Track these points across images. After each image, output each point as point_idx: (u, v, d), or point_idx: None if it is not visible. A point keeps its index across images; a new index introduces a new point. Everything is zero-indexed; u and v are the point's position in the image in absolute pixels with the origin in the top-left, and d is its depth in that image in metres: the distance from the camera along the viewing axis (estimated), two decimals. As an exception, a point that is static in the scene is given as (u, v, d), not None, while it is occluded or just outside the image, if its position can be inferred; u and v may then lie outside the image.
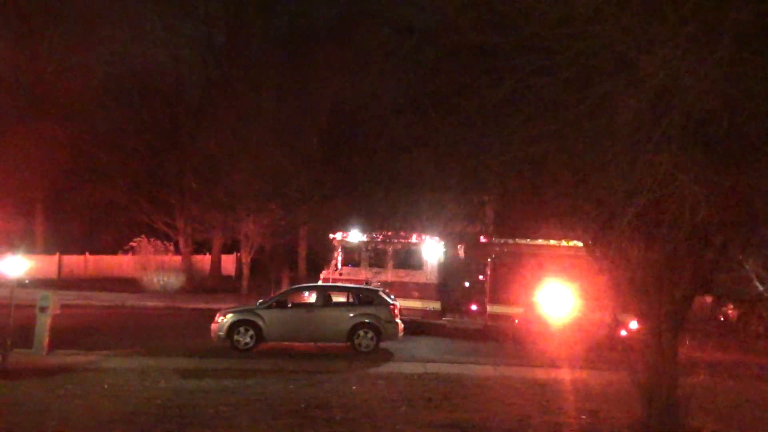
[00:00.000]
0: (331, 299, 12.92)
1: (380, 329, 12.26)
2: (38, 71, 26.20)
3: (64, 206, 26.53)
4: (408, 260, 16.43)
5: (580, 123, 4.95)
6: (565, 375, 10.16)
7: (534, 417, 7.57)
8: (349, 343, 12.18)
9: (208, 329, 12.23)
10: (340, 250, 16.67)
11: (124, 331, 14.24)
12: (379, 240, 16.63)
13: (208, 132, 23.07)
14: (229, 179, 21.72)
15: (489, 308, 15.11)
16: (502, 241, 14.33)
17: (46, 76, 26.14)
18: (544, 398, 8.65)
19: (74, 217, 27.68)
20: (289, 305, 12.68)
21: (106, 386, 8.45)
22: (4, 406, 7.31)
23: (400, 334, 12.60)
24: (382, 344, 12.36)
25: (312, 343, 12.51)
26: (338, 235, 16.58)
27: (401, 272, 16.18)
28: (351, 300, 12.90)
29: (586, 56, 4.72)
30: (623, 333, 13.08)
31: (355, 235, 16.28)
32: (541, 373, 10.40)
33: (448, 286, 16.38)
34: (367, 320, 12.29)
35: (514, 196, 7.40)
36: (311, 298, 12.97)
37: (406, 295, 15.20)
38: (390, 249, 16.32)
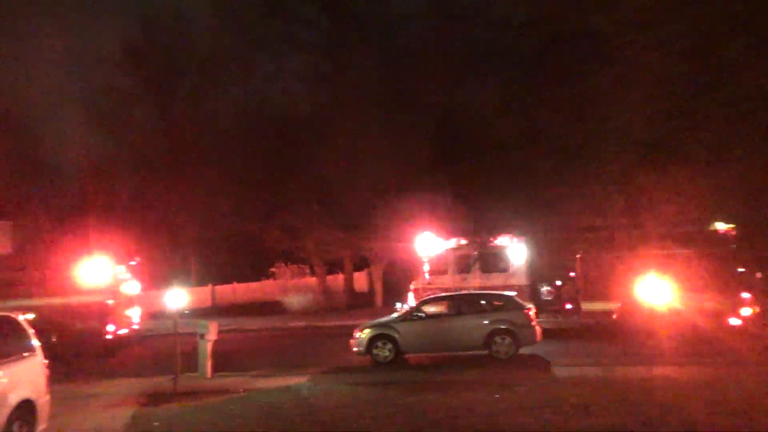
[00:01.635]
0: (465, 307, 12.84)
1: (517, 334, 12.00)
2: (175, 122, 29.10)
3: (211, 241, 29.06)
4: (495, 263, 16.17)
5: (707, 94, 4.60)
6: (702, 372, 9.45)
7: (700, 420, 6.98)
8: (486, 351, 12.05)
9: (346, 345, 12.74)
10: (426, 259, 16.81)
11: (272, 352, 15.31)
12: (465, 245, 16.60)
13: (324, 156, 24.15)
14: (347, 199, 22.60)
15: (584, 305, 14.39)
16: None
17: (183, 124, 28.90)
18: (698, 398, 7.97)
19: (220, 250, 30.18)
20: (424, 317, 12.81)
21: (263, 405, 9.07)
22: (181, 425, 8.11)
23: (538, 338, 12.25)
24: (521, 350, 12.11)
25: (450, 353, 12.55)
26: (422, 245, 16.71)
27: (488, 276, 15.89)
28: (485, 306, 12.75)
29: (705, 22, 4.38)
30: (735, 322, 11.82)
31: (440, 243, 16.34)
32: (675, 372, 9.74)
33: (538, 286, 15.83)
34: (503, 326, 12.08)
35: (641, 181, 7.00)
36: (445, 307, 13.00)
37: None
38: (476, 253, 16.26)
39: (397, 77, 24.21)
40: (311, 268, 27.94)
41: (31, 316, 6.71)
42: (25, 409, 5.91)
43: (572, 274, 15.45)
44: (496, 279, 15.72)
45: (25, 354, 6.23)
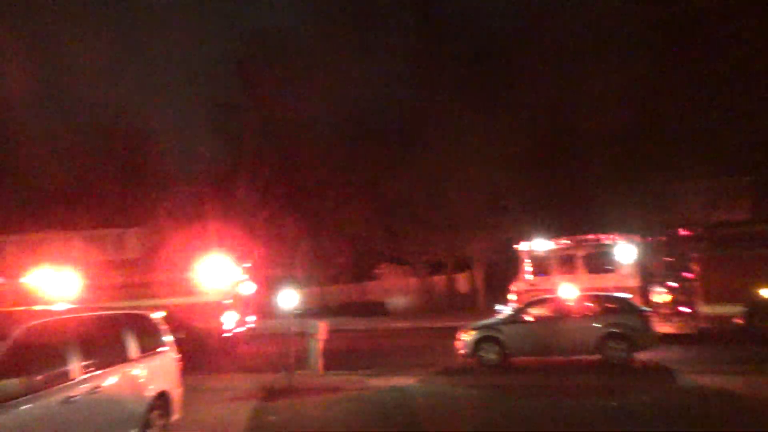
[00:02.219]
0: (575, 309, 12.36)
1: (632, 339, 11.37)
2: (282, 128, 30.42)
3: (319, 244, 30.08)
4: (602, 263, 15.31)
5: None
6: None
7: None
8: (599, 356, 11.54)
9: (451, 347, 12.69)
10: (527, 259, 16.25)
11: (379, 352, 15.60)
12: (570, 244, 15.86)
13: (426, 158, 24.21)
14: (449, 200, 22.53)
15: (702, 309, 13.19)
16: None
17: (289, 131, 30.12)
18: None
19: (327, 252, 31.18)
20: (531, 319, 12.49)
21: (376, 404, 9.25)
22: (297, 420, 8.47)
23: (656, 343, 11.54)
24: (637, 355, 11.47)
25: (558, 357, 12.15)
26: (524, 245, 16.14)
27: (596, 277, 15.05)
28: (597, 309, 12.19)
29: None
30: None
31: (542, 243, 15.73)
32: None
33: (649, 287, 14.74)
34: (617, 330, 11.47)
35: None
36: (553, 309, 12.58)
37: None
38: (582, 253, 15.50)
39: (497, 74, 23.84)
40: (413, 269, 28.16)
41: (161, 314, 7.30)
42: (162, 399, 6.44)
43: (688, 274, 14.41)
44: (604, 280, 15.00)
45: (160, 349, 6.79)
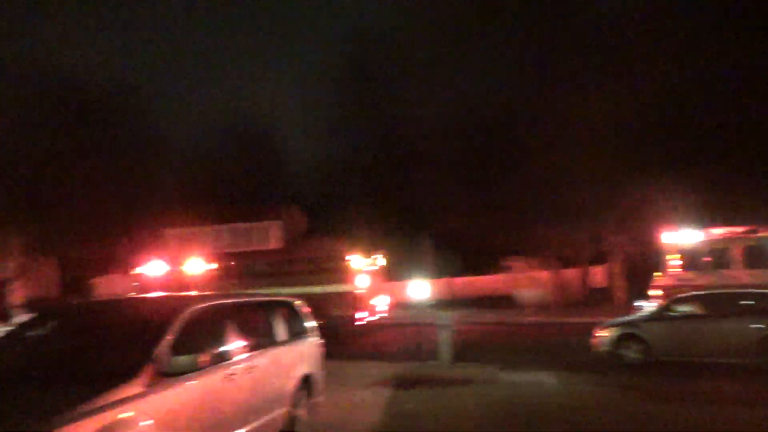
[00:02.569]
0: (731, 308, 11.20)
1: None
2: (398, 124, 30.85)
3: (448, 235, 30.16)
4: (762, 258, 13.61)
5: None
6: None
7: None
8: (761, 361, 10.39)
9: (585, 343, 12.15)
10: (673, 252, 14.83)
11: (509, 346, 15.36)
12: (723, 236, 14.30)
13: (558, 146, 23.19)
14: (583, 190, 21.47)
15: None
16: None
17: (408, 126, 30.43)
18: None
19: (456, 243, 31.16)
20: (677, 316, 11.57)
21: (508, 397, 9.16)
22: (431, 409, 8.62)
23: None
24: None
25: (709, 360, 11.12)
26: (670, 236, 14.75)
27: (756, 272, 13.38)
28: (759, 308, 10.94)
29: None
30: None
31: (691, 234, 14.27)
32: None
33: None
34: (781, 332, 10.31)
35: None
36: (704, 307, 11.55)
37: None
38: (738, 246, 13.86)
39: (619, 59, 22.27)
40: (545, 262, 27.27)
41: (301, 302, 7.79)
42: (307, 381, 6.89)
43: None
44: (765, 276, 13.51)
45: (304, 335, 7.25)
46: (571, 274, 28.25)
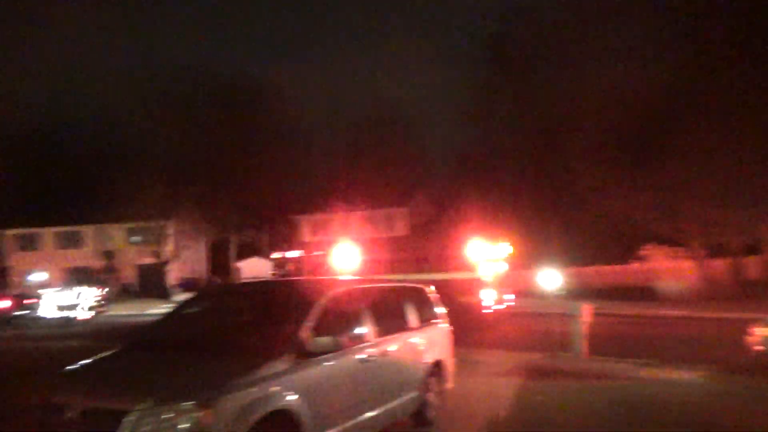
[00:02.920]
0: None
1: None
2: (537, 109, 29.84)
3: (578, 223, 28.97)
4: None
5: None
6: None
7: None
8: None
9: (737, 341, 11.04)
10: None
11: (648, 341, 14.40)
12: None
13: (708, 127, 21.24)
14: (738, 172, 19.47)
15: None
16: None
17: (547, 110, 29.36)
18: None
19: (585, 231, 29.84)
20: None
21: (649, 397, 8.62)
22: (563, 403, 8.35)
23: None
24: None
25: None
26: None
27: None
28: None
29: None
30: None
31: None
32: None
33: None
34: None
35: None
36: None
37: None
38: None
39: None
40: (689, 251, 25.15)
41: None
42: (438, 367, 6.97)
43: None
44: None
45: (435, 321, 7.33)
46: (719, 264, 25.82)
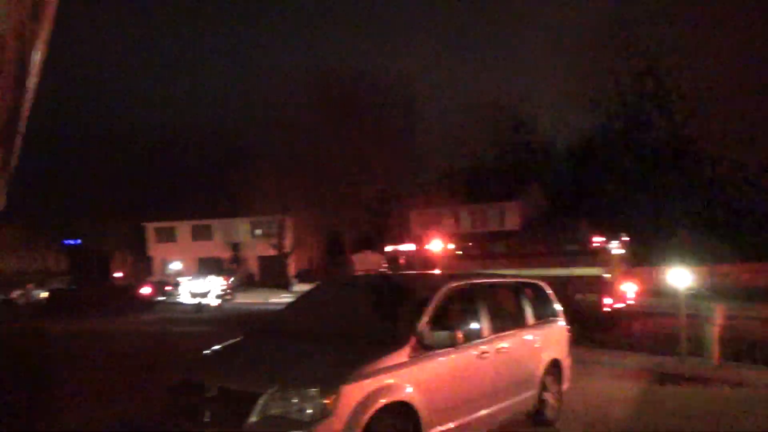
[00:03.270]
0: None
1: None
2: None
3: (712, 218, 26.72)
4: None
5: None
6: None
7: None
8: None
9: None
10: None
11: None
12: None
13: None
14: None
15: None
16: None
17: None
18: None
19: (720, 227, 27.46)
20: None
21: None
22: (692, 411, 7.78)
23: None
24: None
25: None
26: None
27: None
28: None
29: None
30: None
31: None
32: None
33: None
34: None
35: None
36: None
37: None
38: None
39: None
40: None
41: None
42: (555, 367, 6.79)
43: None
44: None
45: (552, 318, 7.14)
46: None
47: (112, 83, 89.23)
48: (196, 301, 26.11)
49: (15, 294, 32.89)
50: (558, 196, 33.99)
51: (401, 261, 22.13)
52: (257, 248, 47.44)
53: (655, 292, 21.84)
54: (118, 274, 45.01)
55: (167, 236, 51.95)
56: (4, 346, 12.44)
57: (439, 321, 5.12)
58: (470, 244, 21.44)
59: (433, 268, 18.03)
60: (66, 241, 50.96)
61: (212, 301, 26.12)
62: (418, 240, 23.53)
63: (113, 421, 6.91)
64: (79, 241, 53.39)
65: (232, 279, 30.76)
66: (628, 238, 18.67)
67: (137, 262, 51.65)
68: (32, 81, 3.43)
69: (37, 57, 3.11)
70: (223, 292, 26.42)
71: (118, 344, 14.70)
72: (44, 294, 27.86)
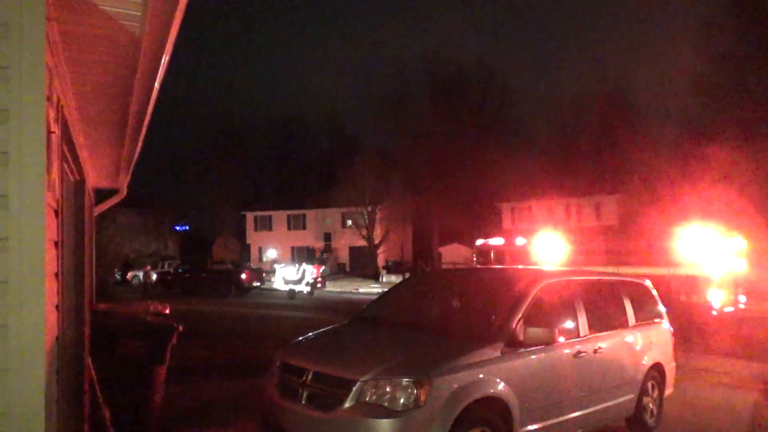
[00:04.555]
0: None
1: None
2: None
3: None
4: None
5: None
6: None
7: None
8: None
9: None
10: None
11: None
12: None
13: None
14: None
15: None
16: None
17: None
18: None
19: None
20: None
21: None
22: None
23: None
24: None
25: None
26: None
27: None
28: None
29: None
30: None
31: None
32: None
33: None
34: None
35: None
36: None
37: None
38: None
39: None
40: None
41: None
42: (657, 371, 6.45)
43: None
44: None
45: (656, 320, 6.78)
46: None
47: (226, 81, 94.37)
48: (288, 287, 27.15)
49: (130, 275, 35.79)
50: (659, 189, 31.97)
51: (491, 255, 21.81)
52: (348, 238, 48.52)
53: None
54: (218, 260, 47.77)
55: (265, 225, 54.30)
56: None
57: (534, 318, 5.01)
58: (566, 239, 20.75)
59: (523, 262, 17.62)
60: (176, 227, 54.71)
61: (304, 288, 27.05)
62: (510, 234, 23.10)
63: (225, 394, 7.40)
64: (187, 227, 57.12)
65: (323, 268, 31.67)
66: (742, 236, 17.31)
67: (236, 249, 54.49)
68: (159, 80, 3.73)
69: (165, 58, 3.37)
70: (313, 280, 27.28)
71: (223, 324, 15.62)
72: (154, 276, 30.14)
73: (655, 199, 36.66)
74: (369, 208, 44.21)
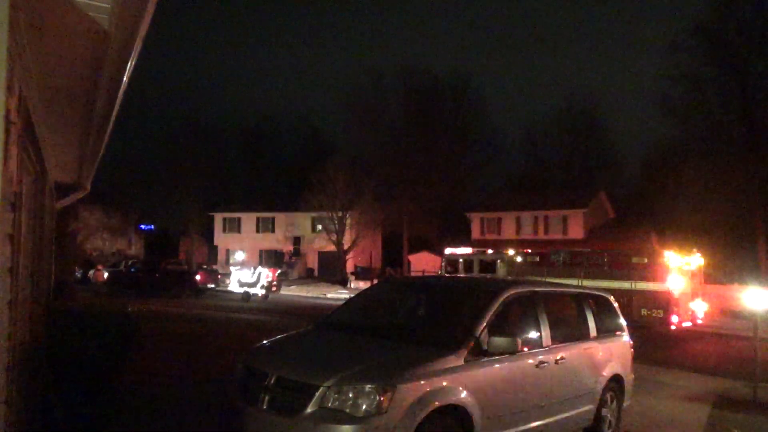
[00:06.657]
0: None
1: None
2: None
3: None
4: None
5: None
6: None
7: None
8: None
9: None
10: None
11: None
12: None
13: None
14: None
15: None
16: None
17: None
18: None
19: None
20: None
21: None
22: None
23: None
24: None
25: None
26: None
27: None
28: None
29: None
30: None
31: None
32: None
33: None
34: None
35: None
36: None
37: None
38: None
39: None
40: None
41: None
42: (616, 382, 6.57)
43: None
44: None
45: (617, 333, 6.91)
46: None
47: (196, 79, 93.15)
48: (243, 290, 26.87)
49: (91, 273, 34.91)
50: (626, 205, 32.84)
51: (459, 264, 21.95)
52: (317, 243, 48.26)
53: (730, 312, 20.72)
54: (174, 260, 46.86)
55: (233, 227, 53.62)
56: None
57: (498, 327, 5.06)
58: (528, 250, 21.03)
59: (490, 273, 17.80)
60: (141, 226, 53.58)
61: (259, 291, 26.80)
62: (478, 244, 23.31)
63: (183, 399, 7.24)
64: (152, 226, 55.96)
65: (279, 272, 31.36)
66: (699, 254, 17.82)
67: (204, 250, 53.62)
68: (128, 75, 3.65)
69: (135, 53, 3.31)
70: (268, 284, 27.03)
71: (176, 326, 15.25)
72: (106, 275, 29.52)
73: (619, 215, 37.56)
74: (339, 214, 44.10)
